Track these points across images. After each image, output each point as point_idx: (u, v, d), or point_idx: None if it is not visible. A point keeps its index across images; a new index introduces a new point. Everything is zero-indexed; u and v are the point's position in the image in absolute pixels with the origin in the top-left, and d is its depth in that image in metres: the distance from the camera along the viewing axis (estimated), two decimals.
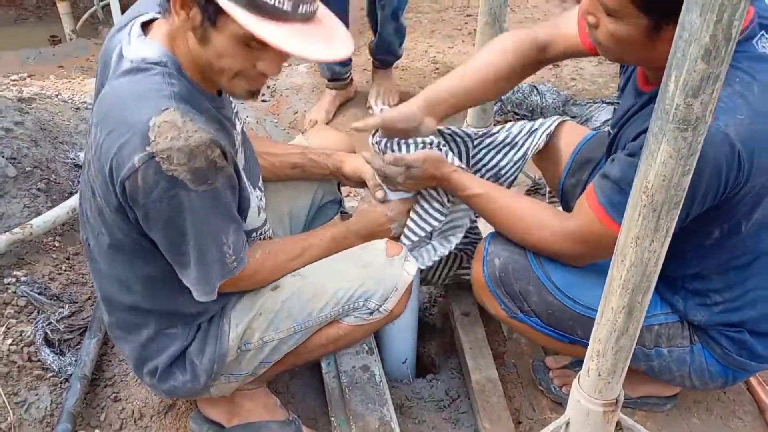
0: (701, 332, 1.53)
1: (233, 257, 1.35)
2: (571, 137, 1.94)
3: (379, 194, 1.68)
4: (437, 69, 3.46)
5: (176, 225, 1.26)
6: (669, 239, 1.15)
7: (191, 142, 1.18)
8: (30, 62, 4.06)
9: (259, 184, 1.59)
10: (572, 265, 1.54)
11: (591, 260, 1.51)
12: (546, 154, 1.98)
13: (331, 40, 1.24)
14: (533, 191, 2.54)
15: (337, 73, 3.02)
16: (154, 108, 1.18)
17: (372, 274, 1.53)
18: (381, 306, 1.55)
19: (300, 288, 1.51)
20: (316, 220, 1.90)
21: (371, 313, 1.55)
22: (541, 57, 1.69)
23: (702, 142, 1.04)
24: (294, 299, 1.50)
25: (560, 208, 1.93)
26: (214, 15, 1.17)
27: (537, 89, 3.04)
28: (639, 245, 1.14)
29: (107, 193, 1.27)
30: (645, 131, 1.36)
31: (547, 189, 2.51)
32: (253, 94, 1.33)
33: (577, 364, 1.81)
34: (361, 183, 1.77)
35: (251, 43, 1.20)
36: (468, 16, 4.08)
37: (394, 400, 1.77)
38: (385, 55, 3.06)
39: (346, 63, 3.04)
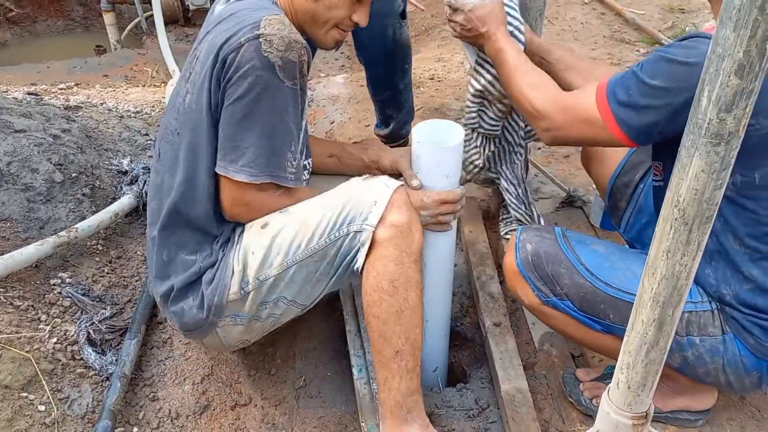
0: (733, 322, 1.51)
1: (294, 170, 1.51)
2: None
3: (415, 183, 1.67)
4: None
5: (252, 103, 1.43)
6: (701, 254, 1.15)
7: (293, 37, 1.42)
8: (77, 71, 4.21)
9: (310, 159, 1.73)
10: (544, 137, 1.58)
11: (560, 138, 1.55)
12: (596, 155, 2.00)
13: None
14: (568, 203, 2.53)
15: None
16: (268, 13, 1.46)
17: (350, 197, 1.54)
18: (363, 223, 1.50)
19: (287, 223, 1.55)
20: None
21: (359, 234, 1.51)
22: None
23: (735, 156, 1.05)
24: (283, 234, 1.54)
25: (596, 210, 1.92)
26: None
27: None
28: (670, 258, 1.15)
29: (203, 81, 1.46)
30: None
31: (581, 199, 2.51)
32: (338, 44, 1.62)
33: (608, 376, 1.81)
34: (399, 175, 1.77)
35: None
36: None
37: (424, 408, 1.79)
38: (408, 118, 2.76)
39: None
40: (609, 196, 1.92)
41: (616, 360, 1.35)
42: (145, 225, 2.38)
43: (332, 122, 3.21)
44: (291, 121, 1.47)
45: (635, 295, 1.25)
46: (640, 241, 1.84)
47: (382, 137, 2.81)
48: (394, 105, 2.68)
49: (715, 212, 1.11)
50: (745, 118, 1.01)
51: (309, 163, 1.75)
